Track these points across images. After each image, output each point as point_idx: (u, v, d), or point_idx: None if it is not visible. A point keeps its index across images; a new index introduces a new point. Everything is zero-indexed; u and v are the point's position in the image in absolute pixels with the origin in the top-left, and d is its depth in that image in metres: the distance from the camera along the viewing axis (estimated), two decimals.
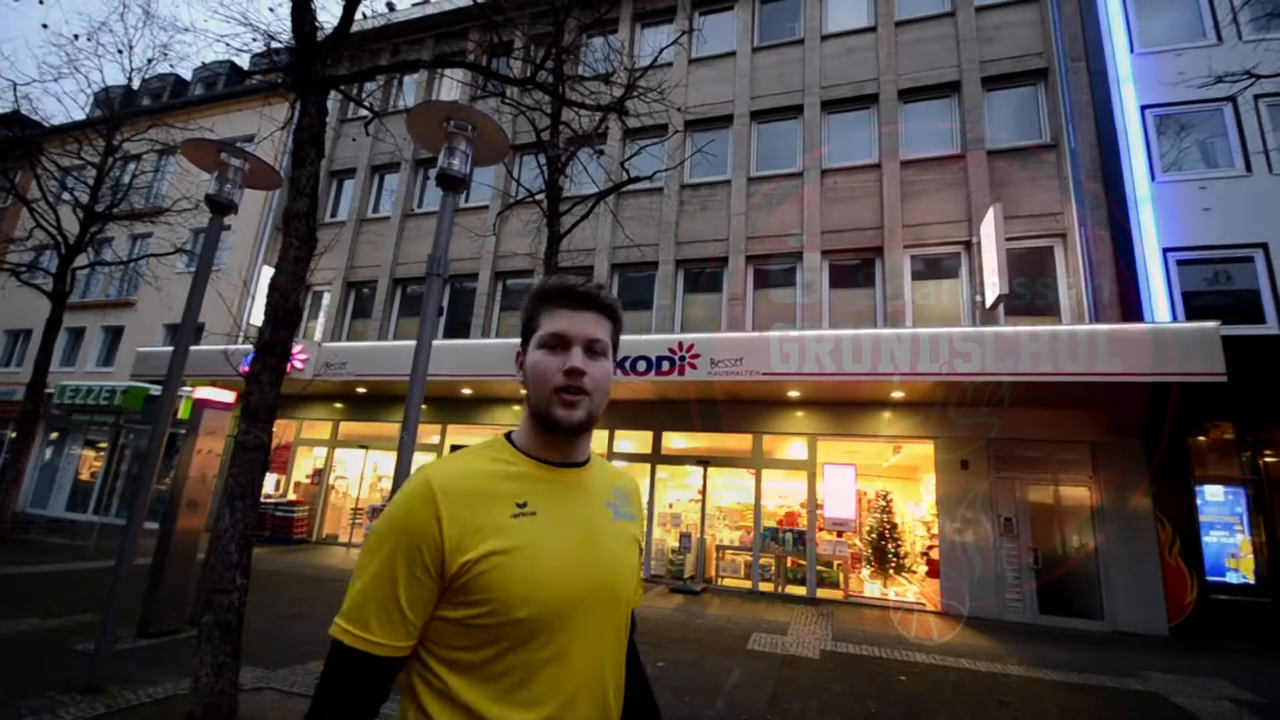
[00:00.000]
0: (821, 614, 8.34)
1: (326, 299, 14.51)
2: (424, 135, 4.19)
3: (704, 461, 10.52)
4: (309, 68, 4.54)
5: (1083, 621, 8.33)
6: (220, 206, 4.91)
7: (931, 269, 10.29)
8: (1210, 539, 8.33)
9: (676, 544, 10.10)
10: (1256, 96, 9.36)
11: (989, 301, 9.25)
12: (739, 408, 10.17)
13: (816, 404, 9.95)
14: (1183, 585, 8.15)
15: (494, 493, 0.86)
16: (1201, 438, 8.70)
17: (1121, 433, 8.73)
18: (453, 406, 12.07)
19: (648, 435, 10.88)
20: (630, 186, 12.22)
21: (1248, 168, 9.25)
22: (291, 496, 13.12)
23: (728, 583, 10.05)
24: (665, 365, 9.00)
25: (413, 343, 11.80)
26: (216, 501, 6.42)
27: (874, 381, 8.55)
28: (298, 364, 11.23)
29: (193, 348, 6.64)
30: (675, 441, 10.94)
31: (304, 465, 13.80)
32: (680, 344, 8.98)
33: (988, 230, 9.30)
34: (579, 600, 0.85)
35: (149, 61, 11.98)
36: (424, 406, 12.38)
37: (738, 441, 10.40)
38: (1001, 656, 6.60)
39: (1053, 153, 10.00)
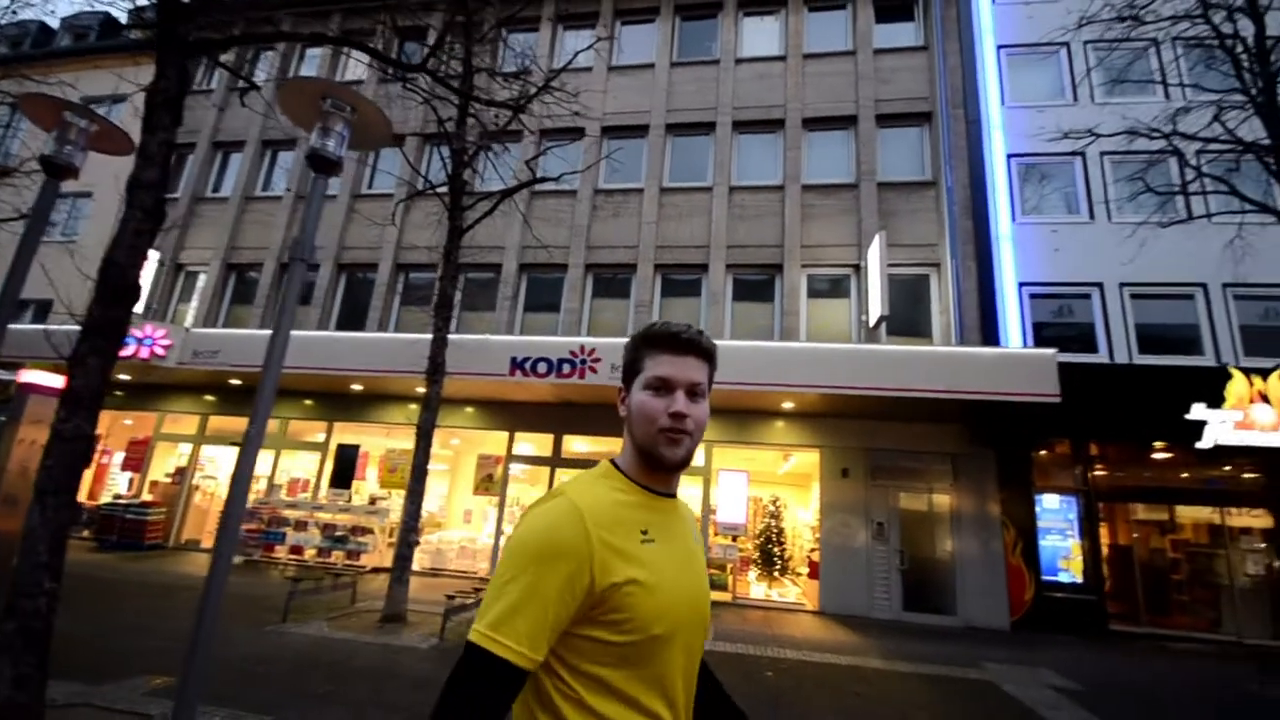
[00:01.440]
0: None
1: (202, 280, 13.25)
2: (297, 112, 3.93)
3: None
4: (172, 27, 4.14)
5: (939, 617, 9.10)
6: (57, 169, 4.35)
7: (826, 288, 10.93)
8: (1046, 543, 9.38)
9: None
10: (1102, 153, 10.66)
11: (872, 321, 9.95)
12: None
13: (714, 412, 10.23)
14: (1022, 584, 9.12)
15: (625, 520, 0.92)
16: (1043, 452, 9.80)
17: (979, 445, 9.66)
18: (342, 403, 11.37)
19: (549, 438, 10.77)
20: (543, 188, 12.17)
21: (1091, 215, 10.57)
22: (147, 497, 11.80)
23: None
24: (566, 368, 8.96)
25: (300, 333, 11.02)
26: None
27: (767, 391, 8.97)
28: (159, 350, 10.16)
29: (24, 326, 5.84)
30: (576, 445, 10.90)
31: (165, 463, 12.46)
32: (582, 347, 8.98)
33: (873, 256, 10.01)
34: (687, 621, 0.94)
35: (8, 5, 10.44)
36: (309, 403, 11.68)
37: None
38: (865, 651, 7.08)
39: (933, 189, 10.95)
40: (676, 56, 12.73)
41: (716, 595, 9.73)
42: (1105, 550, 9.62)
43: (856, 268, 10.75)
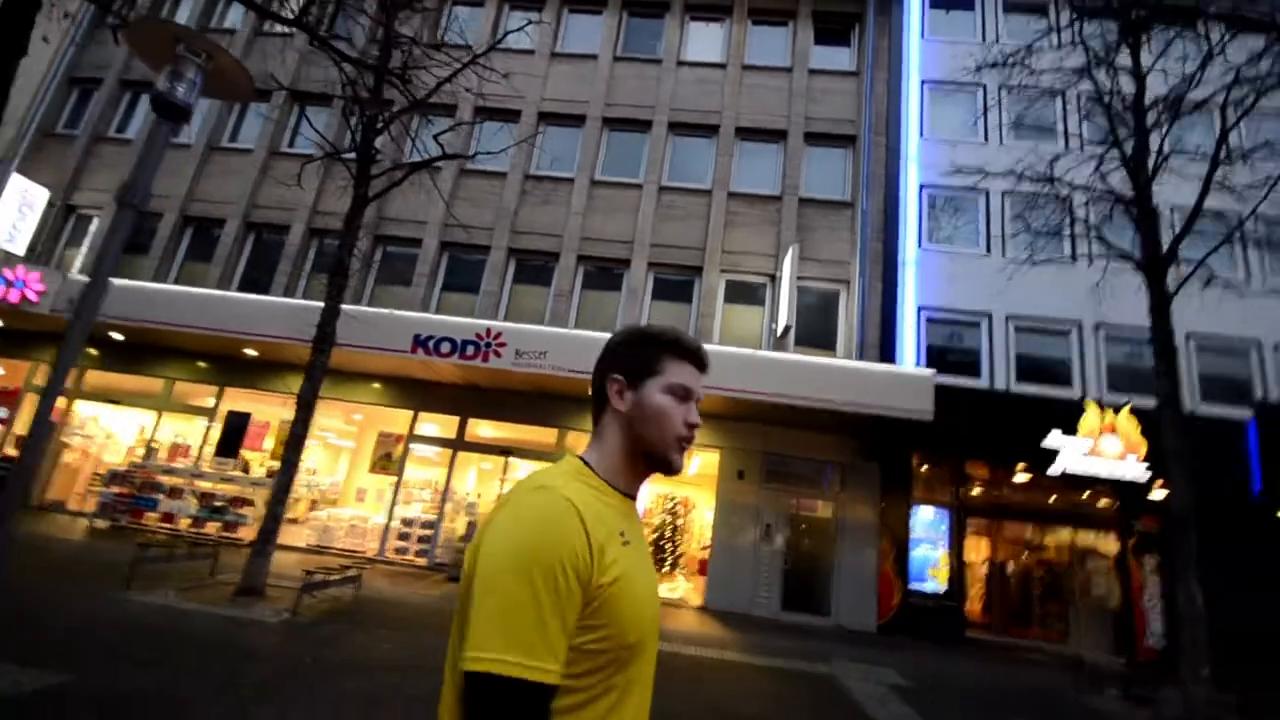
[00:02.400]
0: None
1: (94, 225, 12.33)
2: (149, 54, 3.72)
3: (506, 451, 10.49)
4: None
5: (814, 618, 9.52)
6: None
7: (742, 294, 11.21)
8: (917, 553, 9.96)
9: (464, 532, 9.92)
10: (1003, 192, 11.35)
11: (779, 330, 10.29)
12: (547, 401, 10.26)
13: None
14: (891, 590, 9.65)
15: (607, 520, 0.86)
16: (925, 467, 10.39)
17: (867, 457, 10.15)
18: (236, 368, 10.82)
19: (454, 420, 10.61)
20: (474, 167, 11.99)
21: (987, 249, 11.26)
22: (10, 451, 10.90)
23: None
24: (470, 350, 8.85)
25: (197, 290, 10.42)
26: None
27: None
28: (30, 295, 9.41)
29: None
30: (481, 429, 10.78)
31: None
32: (489, 330, 8.90)
33: (786, 268, 10.35)
34: (653, 628, 0.90)
35: None
36: (202, 365, 11.05)
37: (544, 434, 10.51)
38: (732, 645, 7.34)
39: (850, 210, 11.42)
40: (620, 51, 12.76)
41: None
42: (973, 563, 10.32)
43: (772, 277, 11.09)
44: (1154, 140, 7.78)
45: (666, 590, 10.01)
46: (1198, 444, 9.43)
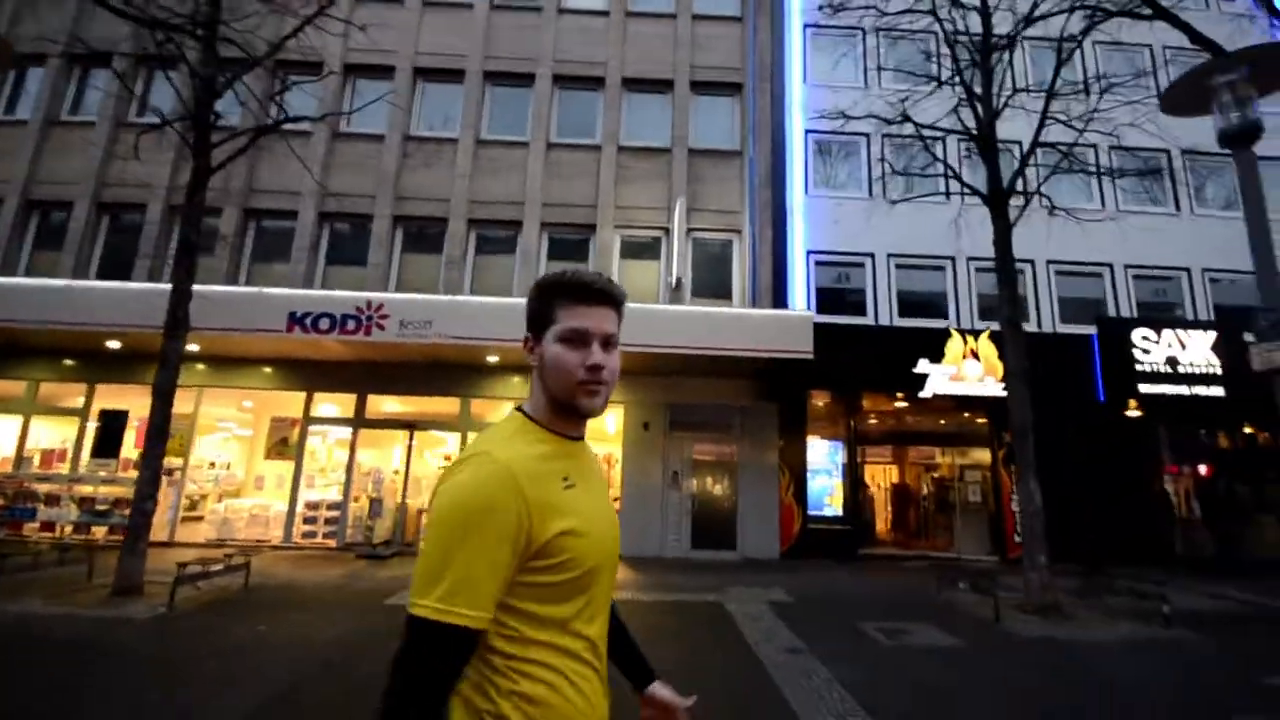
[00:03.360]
0: None
1: None
2: None
3: (410, 425, 10.35)
4: None
5: (722, 553, 10.06)
6: None
7: (637, 250, 11.25)
8: (815, 483, 10.61)
9: (367, 510, 9.81)
10: (884, 135, 11.70)
11: (674, 283, 10.46)
12: (446, 371, 10.12)
13: (522, 369, 10.35)
14: (792, 520, 10.29)
15: (547, 472, 0.93)
16: (820, 403, 10.97)
17: (765, 399, 10.61)
18: (104, 363, 10.06)
19: (351, 398, 10.32)
20: (350, 130, 11.35)
21: (870, 193, 11.68)
22: None
23: None
24: (351, 324, 8.57)
25: (49, 282, 9.52)
26: None
27: None
28: None
29: None
30: (381, 405, 10.54)
31: None
32: (369, 303, 8.62)
33: (676, 220, 10.44)
34: (609, 553, 1.00)
35: None
36: (68, 363, 10.22)
37: (446, 405, 10.41)
38: (637, 585, 7.70)
39: (738, 159, 11.55)
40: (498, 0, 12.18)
41: None
42: (871, 487, 11.11)
43: (667, 230, 11.16)
44: (1001, 77, 8.22)
45: None
46: (1058, 359, 10.39)
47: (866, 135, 11.61)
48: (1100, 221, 9.97)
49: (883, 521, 11.93)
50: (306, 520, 9.98)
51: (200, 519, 10.34)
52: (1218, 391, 9.56)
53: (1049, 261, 11.47)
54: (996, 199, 7.92)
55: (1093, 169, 8.95)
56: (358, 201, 10.94)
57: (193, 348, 9.66)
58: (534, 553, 0.89)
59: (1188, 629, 6.21)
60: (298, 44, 7.53)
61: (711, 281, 11.19)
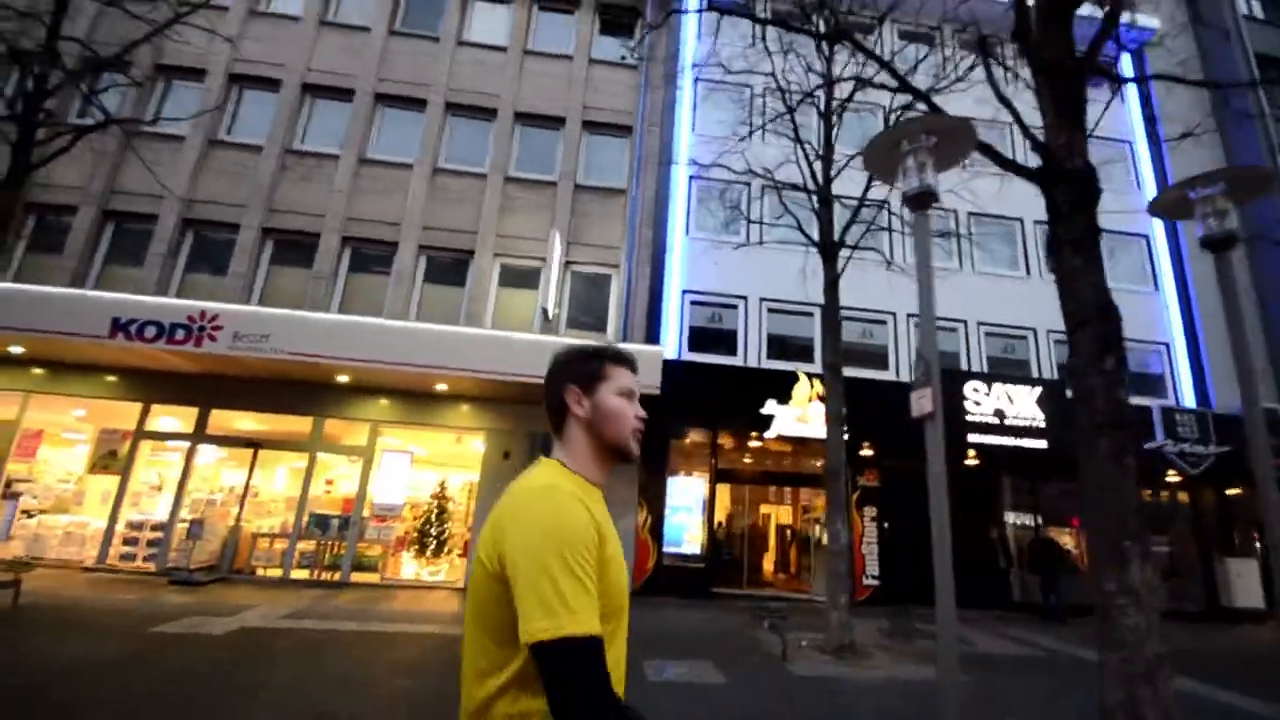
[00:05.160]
0: (324, 596, 8.43)
1: None
2: None
3: (254, 444, 9.90)
4: None
5: None
6: None
7: (517, 278, 11.31)
8: (675, 519, 10.65)
9: (187, 531, 9.24)
10: (763, 185, 12.28)
11: (550, 314, 10.53)
12: (299, 388, 9.80)
13: (385, 392, 10.12)
14: (647, 555, 10.26)
15: (592, 509, 1.04)
16: (683, 440, 11.11)
17: None
18: None
19: (192, 412, 9.82)
20: (229, 139, 11.17)
21: (748, 238, 12.16)
22: None
23: (265, 572, 9.56)
24: (180, 334, 8.22)
25: None
26: None
27: (421, 373, 9.05)
28: None
29: None
30: (225, 420, 10.05)
31: None
32: (202, 313, 8.30)
33: (553, 252, 10.58)
34: (627, 582, 1.09)
35: None
36: None
37: (297, 424, 10.03)
38: (430, 619, 7.44)
39: (623, 197, 11.89)
40: (399, 25, 12.34)
41: (365, 578, 9.64)
42: (725, 523, 11.22)
43: (546, 261, 11.28)
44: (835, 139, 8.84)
45: (428, 574, 9.97)
46: (905, 405, 10.86)
47: (747, 183, 12.18)
48: (945, 278, 10.68)
49: (747, 560, 12.04)
50: (127, 541, 9.30)
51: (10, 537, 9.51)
52: (1041, 444, 10.22)
53: (908, 315, 12.16)
54: (828, 250, 8.40)
55: (884, 228, 9.56)
56: (226, 210, 10.66)
57: (16, 350, 9.11)
58: (599, 570, 1.01)
59: (969, 671, 6.44)
60: (175, 49, 7.41)
61: (587, 313, 11.34)
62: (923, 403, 3.75)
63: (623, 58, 12.01)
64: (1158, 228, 13.91)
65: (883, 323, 12.20)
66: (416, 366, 8.88)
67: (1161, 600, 10.15)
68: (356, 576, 9.54)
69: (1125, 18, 14.55)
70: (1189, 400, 12.69)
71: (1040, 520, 11.58)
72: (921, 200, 3.95)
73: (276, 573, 9.47)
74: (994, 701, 5.47)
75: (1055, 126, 4.24)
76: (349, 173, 11.12)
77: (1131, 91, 14.61)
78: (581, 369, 1.22)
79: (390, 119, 11.82)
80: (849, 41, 7.24)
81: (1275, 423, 11.64)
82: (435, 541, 9.99)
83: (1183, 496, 12.33)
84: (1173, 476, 11.19)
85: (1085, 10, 4.78)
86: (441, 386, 9.60)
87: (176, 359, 8.85)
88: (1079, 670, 6.76)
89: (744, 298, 11.86)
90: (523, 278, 11.32)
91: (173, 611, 7.01)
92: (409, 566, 10.05)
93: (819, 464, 11.56)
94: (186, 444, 9.72)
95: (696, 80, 12.91)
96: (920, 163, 3.99)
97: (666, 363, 10.83)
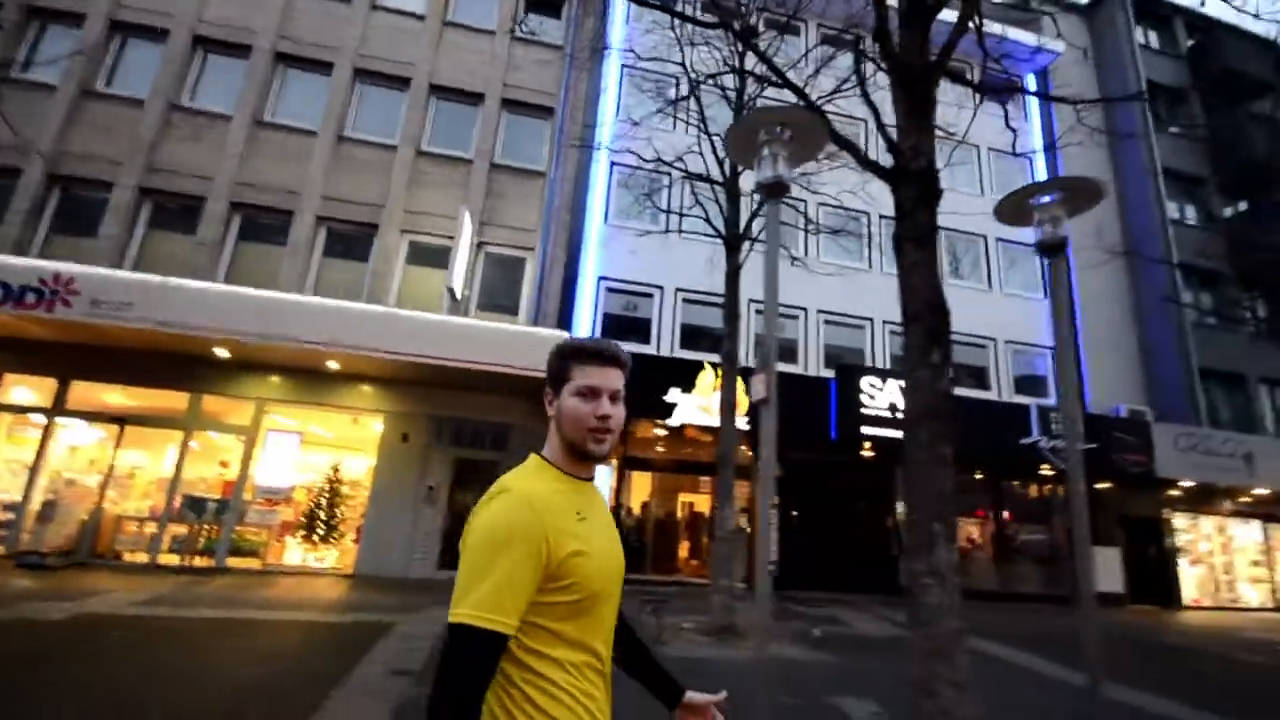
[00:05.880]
0: (192, 582, 7.94)
1: None
2: None
3: (121, 420, 9.18)
4: None
5: None
6: None
7: (427, 256, 10.92)
8: None
9: (40, 512, 8.51)
10: (684, 175, 12.32)
11: (458, 294, 10.22)
12: (176, 361, 9.13)
13: (276, 369, 9.59)
14: None
15: (562, 506, 1.08)
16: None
17: (535, 418, 10.54)
18: None
19: (50, 383, 9.00)
20: (109, 90, 10.33)
21: (666, 227, 12.18)
22: None
23: (132, 557, 8.90)
24: (31, 297, 7.49)
25: None
26: None
27: (312, 351, 8.60)
28: None
29: None
30: (89, 394, 9.27)
31: None
32: (56, 276, 7.60)
33: (463, 232, 10.26)
34: (613, 578, 1.15)
35: None
36: None
37: (172, 400, 9.36)
38: (331, 607, 7.16)
39: (541, 180, 11.65)
40: None
41: (244, 563, 9.15)
42: (635, 511, 11.29)
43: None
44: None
45: (315, 560, 9.56)
46: (813, 401, 11.22)
47: (668, 173, 12.18)
48: (854, 277, 11.06)
49: (657, 548, 12.17)
50: None
51: None
52: None
53: (819, 310, 12.54)
54: (731, 241, 8.51)
55: (792, 223, 9.83)
56: (100, 166, 9.78)
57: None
58: (551, 573, 1.01)
59: (831, 651, 6.73)
60: None
61: (500, 296, 11.09)
62: (758, 388, 3.82)
63: (527, 30, 11.60)
64: None
65: (794, 317, 12.51)
66: (305, 342, 8.45)
67: (1036, 585, 10.85)
68: (235, 562, 9.04)
69: (1032, 40, 15.34)
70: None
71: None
72: (775, 189, 4.01)
73: (143, 558, 8.84)
74: (847, 678, 5.71)
75: (905, 128, 4.39)
76: (243, 135, 10.41)
77: (1034, 107, 15.51)
78: (552, 369, 1.22)
79: (293, 81, 11.13)
80: (736, 37, 7.39)
81: (1141, 423, 12.73)
82: (325, 526, 9.56)
83: (1058, 490, 13.32)
84: (1047, 470, 12.04)
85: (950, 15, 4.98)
86: (333, 364, 9.17)
87: (28, 325, 8.07)
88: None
89: (660, 287, 11.90)
90: (433, 256, 10.94)
91: (11, 597, 6.44)
92: (295, 552, 9.59)
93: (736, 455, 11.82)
94: (44, 418, 8.91)
95: (624, 67, 12.80)
96: (775, 153, 4.04)
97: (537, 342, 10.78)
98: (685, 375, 10.55)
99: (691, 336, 11.78)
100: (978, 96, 5.76)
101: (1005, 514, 13.38)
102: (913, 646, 3.60)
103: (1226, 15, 17.68)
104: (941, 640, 3.45)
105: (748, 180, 9.32)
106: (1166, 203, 15.31)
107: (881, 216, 13.27)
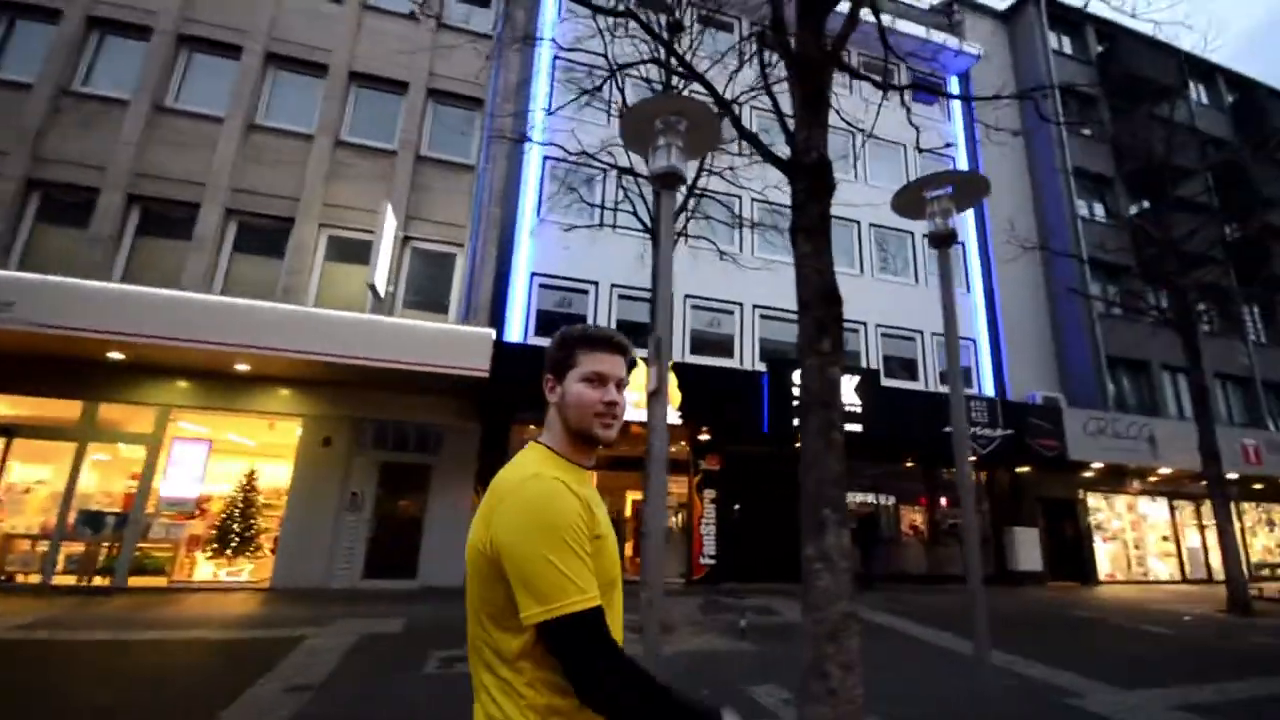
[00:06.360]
0: (84, 603, 7.37)
1: None
2: None
3: (7, 430, 8.45)
4: None
5: (400, 582, 9.40)
6: None
7: (349, 252, 10.46)
8: None
9: None
10: (620, 171, 12.25)
11: (382, 292, 9.83)
12: (68, 366, 8.45)
13: (182, 373, 9.01)
14: None
15: (581, 493, 1.09)
16: (524, 426, 10.87)
17: (468, 419, 10.28)
18: None
19: None
20: None
21: (601, 222, 12.08)
22: None
23: (24, 578, 8.20)
24: None
25: None
26: None
27: (219, 352, 8.11)
28: None
29: None
30: None
31: None
32: None
33: (384, 225, 9.88)
34: (618, 564, 1.16)
35: None
36: None
37: (63, 409, 8.67)
38: (237, 623, 6.77)
39: (470, 173, 11.36)
40: None
41: (148, 581, 8.57)
42: None
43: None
44: None
45: (228, 575, 9.03)
46: (746, 392, 11.33)
47: (604, 168, 12.07)
48: (778, 271, 11.17)
49: None
50: None
51: None
52: (857, 428, 11.04)
53: (755, 305, 12.70)
54: (657, 235, 8.47)
55: (722, 219, 9.98)
56: None
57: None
58: (592, 548, 1.05)
59: (755, 640, 6.79)
60: None
61: (429, 294, 10.74)
62: (650, 380, 3.78)
63: (453, 18, 11.36)
64: (971, 235, 15.51)
65: (729, 312, 12.63)
66: (210, 344, 7.95)
67: (961, 565, 11.12)
68: (137, 581, 8.45)
69: (953, 43, 15.93)
70: (989, 389, 14.31)
71: (892, 499, 12.72)
72: (668, 180, 3.96)
73: (36, 579, 8.17)
74: (766, 666, 5.76)
75: (800, 120, 4.43)
76: (141, 121, 9.71)
77: (957, 109, 16.13)
78: (554, 356, 1.24)
79: (197, 65, 10.46)
80: (653, 36, 7.37)
81: (1054, 409, 13.40)
82: (239, 539, 9.04)
83: (983, 475, 13.92)
84: (971, 457, 12.53)
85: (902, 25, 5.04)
86: (243, 367, 8.67)
87: None
88: (875, 634, 7.32)
89: (595, 283, 11.80)
90: (355, 252, 10.48)
91: None
92: (206, 567, 9.04)
93: (673, 450, 11.84)
94: None
95: (555, 58, 12.61)
96: (670, 143, 3.99)
97: (510, 346, 10.59)
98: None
99: (628, 332, 11.46)
100: (884, 94, 5.88)
101: (943, 500, 13.90)
102: (804, 630, 3.63)
103: (1114, 16, 18.86)
104: (831, 624, 3.49)
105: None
106: (1076, 200, 16.23)
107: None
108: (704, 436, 11.21)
